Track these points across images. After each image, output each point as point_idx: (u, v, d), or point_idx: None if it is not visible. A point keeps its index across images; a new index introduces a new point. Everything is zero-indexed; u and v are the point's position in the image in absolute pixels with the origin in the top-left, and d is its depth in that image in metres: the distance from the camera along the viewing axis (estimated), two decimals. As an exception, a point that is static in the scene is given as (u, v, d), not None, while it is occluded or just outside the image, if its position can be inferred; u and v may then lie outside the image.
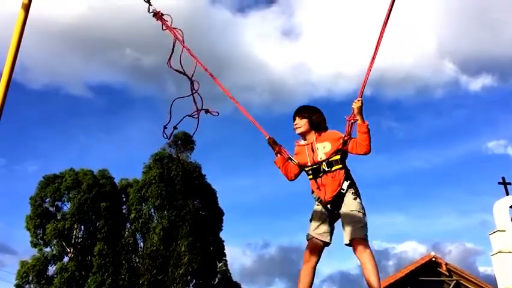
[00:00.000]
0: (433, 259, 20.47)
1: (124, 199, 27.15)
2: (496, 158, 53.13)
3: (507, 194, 17.49)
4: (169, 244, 24.72)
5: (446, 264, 20.56)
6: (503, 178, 17.88)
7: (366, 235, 3.68)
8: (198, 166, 27.65)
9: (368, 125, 3.73)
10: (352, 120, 3.82)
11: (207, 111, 4.18)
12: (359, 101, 3.72)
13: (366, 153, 3.77)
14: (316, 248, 3.81)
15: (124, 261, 24.84)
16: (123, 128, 51.69)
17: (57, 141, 49.18)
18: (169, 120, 4.21)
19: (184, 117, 4.18)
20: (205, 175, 27.84)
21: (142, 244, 25.72)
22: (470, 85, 61.81)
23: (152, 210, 25.91)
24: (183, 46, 4.20)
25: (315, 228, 3.82)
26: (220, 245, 27.14)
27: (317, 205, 3.88)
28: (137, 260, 25.41)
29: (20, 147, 46.38)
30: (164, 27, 4.24)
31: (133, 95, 52.74)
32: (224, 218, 27.63)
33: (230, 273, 27.42)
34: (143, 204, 25.90)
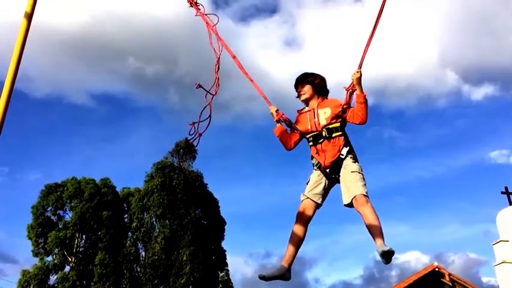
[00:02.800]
0: (436, 269, 20.33)
1: (126, 208, 27.12)
2: (498, 167, 52.93)
3: (510, 203, 17.41)
4: (171, 253, 24.65)
5: (450, 274, 20.42)
6: (506, 188, 17.82)
7: (367, 192, 3.75)
8: (200, 175, 27.65)
9: (365, 96, 3.86)
10: (350, 90, 3.97)
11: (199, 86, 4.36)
12: (358, 72, 3.85)
13: (361, 123, 3.90)
14: (309, 208, 3.91)
15: (125, 271, 24.75)
16: (125, 137, 51.79)
17: (59, 149, 49.28)
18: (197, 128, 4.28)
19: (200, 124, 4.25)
20: (207, 184, 27.87)
21: (143, 253, 25.65)
22: (473, 94, 61.74)
23: (154, 219, 25.87)
24: (214, 32, 4.47)
25: (310, 190, 3.94)
26: (222, 254, 27.05)
27: (315, 170, 4.00)
28: (138, 269, 25.33)
29: (22, 156, 46.49)
30: (197, 13, 4.57)
31: (136, 104, 52.92)
32: (226, 227, 27.61)
33: (232, 283, 27.30)
34: (145, 213, 25.86)
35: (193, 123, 4.29)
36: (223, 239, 27.32)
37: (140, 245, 25.80)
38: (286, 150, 4.23)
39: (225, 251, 27.31)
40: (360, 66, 3.89)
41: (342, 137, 3.95)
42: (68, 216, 25.84)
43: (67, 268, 24.79)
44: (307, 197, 3.93)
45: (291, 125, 4.20)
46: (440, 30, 58.46)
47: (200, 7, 4.56)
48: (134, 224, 25.56)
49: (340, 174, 3.88)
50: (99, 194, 25.77)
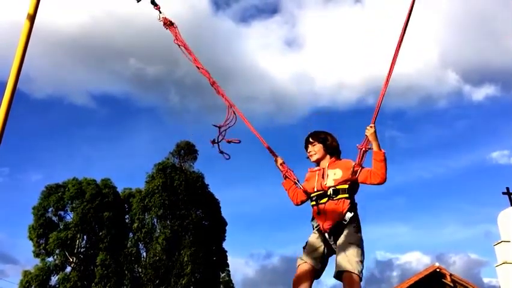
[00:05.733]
0: (437, 270, 20.30)
1: (127, 209, 27.14)
2: (499, 168, 52.88)
3: (511, 204, 17.39)
4: (172, 254, 24.66)
5: (451, 275, 20.39)
6: (507, 188, 17.78)
7: (360, 272, 3.34)
8: (201, 176, 27.66)
9: (385, 153, 3.55)
10: (364, 149, 3.63)
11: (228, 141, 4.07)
12: (371, 127, 3.57)
13: (381, 183, 3.58)
14: (307, 273, 3.56)
15: (126, 271, 24.77)
16: (126, 138, 51.79)
17: (60, 150, 49.29)
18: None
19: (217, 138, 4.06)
20: (208, 185, 27.89)
21: (144, 254, 25.67)
22: (473, 95, 61.83)
23: (155, 220, 25.90)
24: (193, 58, 4.18)
25: (308, 254, 3.62)
26: (223, 255, 27.07)
27: (314, 233, 3.68)
28: (139, 270, 25.34)
29: (23, 157, 46.45)
30: (174, 39, 4.24)
31: (136, 104, 52.96)
32: (227, 228, 27.63)
33: (233, 284, 27.34)
34: (146, 213, 25.88)
35: (214, 141, 4.11)
36: (224, 239, 27.35)
37: (141, 246, 25.83)
38: (293, 205, 3.90)
39: (226, 251, 27.37)
40: (374, 121, 3.59)
41: (348, 201, 3.57)
42: (69, 216, 25.89)
43: (68, 269, 24.83)
44: (305, 261, 3.58)
45: (296, 182, 3.86)
46: (440, 31, 58.50)
47: (177, 29, 4.24)
48: (135, 225, 25.57)
49: (338, 241, 3.50)
50: (100, 194, 25.79)
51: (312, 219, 3.72)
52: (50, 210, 25.70)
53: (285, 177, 3.92)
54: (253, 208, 57.20)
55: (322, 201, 3.62)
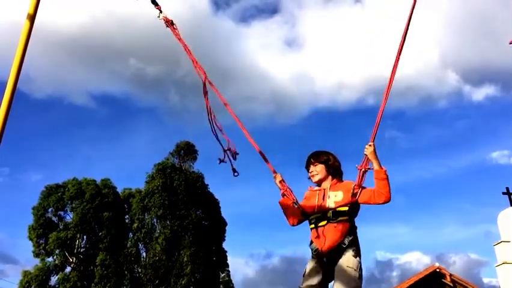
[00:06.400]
0: (437, 270, 20.30)
1: (127, 209, 27.15)
2: (499, 168, 52.91)
3: (511, 204, 17.39)
4: (172, 254, 24.66)
5: (451, 275, 20.39)
6: (507, 188, 17.78)
7: None
8: (201, 176, 27.66)
9: (386, 171, 3.44)
10: (363, 169, 3.51)
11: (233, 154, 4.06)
12: (370, 145, 3.47)
13: (385, 202, 3.45)
14: None
15: (126, 272, 24.76)
16: (126, 138, 51.82)
17: (60, 150, 49.32)
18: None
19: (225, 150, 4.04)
20: (207, 185, 27.89)
21: (144, 254, 25.67)
22: (473, 95, 61.89)
23: (154, 220, 25.90)
24: (191, 58, 4.15)
25: (306, 281, 3.50)
26: (222, 255, 27.06)
27: (313, 258, 3.56)
28: (139, 270, 25.34)
29: (22, 157, 46.45)
30: (174, 36, 4.24)
31: (136, 104, 53.01)
32: (227, 228, 27.63)
33: (233, 284, 27.34)
34: (146, 214, 25.88)
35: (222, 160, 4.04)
36: (224, 239, 27.35)
37: (141, 246, 25.83)
38: (288, 225, 3.82)
39: (226, 251, 27.38)
40: (373, 139, 3.50)
41: (348, 224, 3.47)
42: (69, 217, 25.90)
43: (68, 269, 24.84)
44: None
45: (295, 202, 3.72)
46: (440, 31, 58.51)
47: (176, 29, 4.17)
48: (135, 225, 25.57)
49: (336, 266, 3.40)
50: (100, 194, 25.79)
51: (311, 243, 3.59)
52: (50, 210, 25.72)
53: (283, 195, 3.79)
54: (253, 208, 57.28)
55: (321, 223, 3.51)
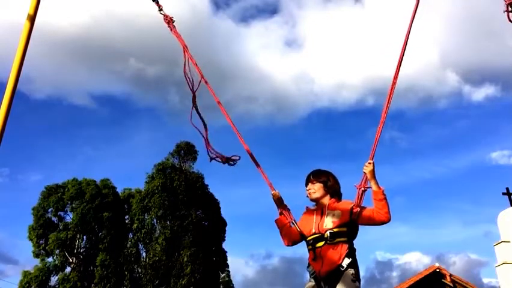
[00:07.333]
0: (437, 270, 20.29)
1: (127, 209, 27.14)
2: (499, 168, 52.96)
3: (511, 204, 17.38)
4: (172, 254, 24.65)
5: (451, 275, 20.38)
6: (507, 189, 17.77)
7: None
8: (201, 176, 27.64)
9: (384, 191, 3.35)
10: (363, 188, 3.41)
11: (228, 160, 4.13)
12: (370, 164, 3.38)
13: (385, 222, 3.35)
14: None
15: (126, 272, 24.76)
16: (126, 138, 51.84)
17: (60, 150, 49.36)
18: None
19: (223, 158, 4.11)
20: (207, 185, 27.86)
21: (144, 254, 25.66)
22: (473, 95, 61.91)
23: (154, 220, 25.88)
24: (189, 58, 4.19)
25: None
26: (222, 255, 27.05)
27: (310, 281, 3.45)
28: (139, 270, 25.33)
29: (23, 157, 46.51)
30: (173, 34, 4.26)
31: (137, 105, 53.09)
32: (227, 228, 27.61)
33: (233, 284, 27.37)
34: (146, 214, 25.87)
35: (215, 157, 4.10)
36: (224, 240, 27.33)
37: (141, 246, 25.82)
38: (284, 245, 3.71)
39: (226, 252, 27.36)
40: (372, 156, 3.42)
41: (347, 245, 3.35)
42: (69, 217, 25.89)
43: (68, 269, 24.84)
44: None
45: (293, 222, 3.65)
46: (440, 31, 58.49)
47: (175, 26, 4.23)
48: (135, 225, 25.57)
49: None
50: (100, 195, 25.79)
51: (308, 265, 3.50)
52: (49, 210, 25.72)
53: (281, 214, 3.72)
54: (253, 208, 57.27)
55: (318, 244, 3.41)
